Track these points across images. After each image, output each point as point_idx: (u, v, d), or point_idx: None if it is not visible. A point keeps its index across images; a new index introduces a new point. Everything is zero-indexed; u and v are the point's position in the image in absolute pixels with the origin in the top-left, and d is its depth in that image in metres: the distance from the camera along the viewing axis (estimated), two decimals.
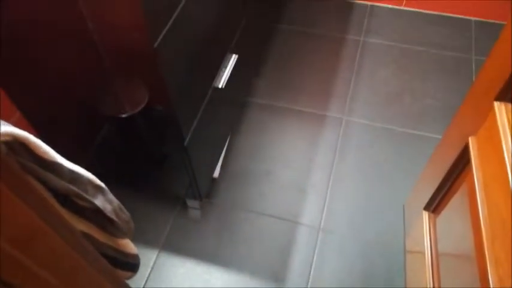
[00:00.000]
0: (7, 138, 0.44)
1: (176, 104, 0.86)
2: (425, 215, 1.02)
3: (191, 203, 1.25)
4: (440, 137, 1.35)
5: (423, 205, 1.01)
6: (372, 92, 1.52)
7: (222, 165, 1.34)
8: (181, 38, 0.81)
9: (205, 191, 1.25)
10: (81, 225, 0.59)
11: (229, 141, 1.38)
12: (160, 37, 0.72)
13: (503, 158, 0.63)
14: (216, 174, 1.31)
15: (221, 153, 1.33)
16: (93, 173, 0.59)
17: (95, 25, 0.74)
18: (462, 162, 0.82)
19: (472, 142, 0.78)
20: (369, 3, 1.81)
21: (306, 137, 1.41)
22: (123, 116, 0.88)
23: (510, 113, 0.68)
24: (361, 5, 1.81)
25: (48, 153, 0.50)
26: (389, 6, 1.79)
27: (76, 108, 0.99)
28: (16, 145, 0.46)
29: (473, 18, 1.73)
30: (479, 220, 0.66)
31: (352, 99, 1.50)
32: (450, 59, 1.60)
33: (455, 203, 0.86)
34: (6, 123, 0.47)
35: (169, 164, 1.12)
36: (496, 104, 0.69)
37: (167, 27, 0.73)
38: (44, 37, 0.79)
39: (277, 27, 1.73)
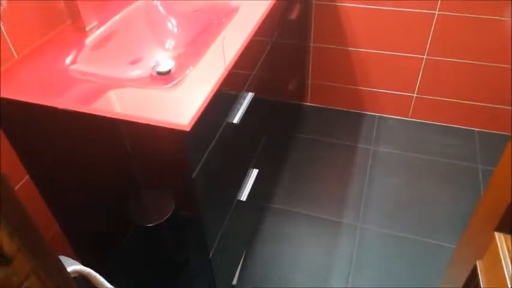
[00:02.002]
0: (75, 274, 0.53)
1: (204, 216, 0.95)
2: None
3: None
4: (452, 246, 1.39)
5: None
6: (384, 200, 1.60)
7: (240, 271, 1.38)
8: (214, 166, 0.93)
9: None
10: None
11: (248, 247, 1.44)
12: (198, 169, 0.84)
13: (506, 285, 0.69)
14: (235, 281, 1.35)
15: (240, 259, 1.38)
16: (113, 276, 0.66)
17: (138, 158, 0.87)
18: (472, 284, 0.86)
19: (479, 265, 0.83)
20: (377, 114, 1.98)
21: (323, 244, 1.46)
22: (150, 225, 0.97)
23: (510, 243, 0.75)
24: (370, 116, 1.97)
25: (103, 284, 0.58)
26: (396, 117, 1.95)
27: (104, 215, 1.08)
28: (80, 278, 0.55)
29: (476, 129, 1.86)
30: None
31: (365, 207, 1.58)
32: (457, 169, 1.70)
33: None
34: (70, 259, 0.57)
35: (189, 270, 1.18)
36: (497, 234, 0.76)
37: (203, 160, 0.86)
38: (89, 159, 0.92)
39: (294, 136, 1.89)
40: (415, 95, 1.85)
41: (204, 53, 0.93)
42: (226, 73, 0.87)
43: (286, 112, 1.75)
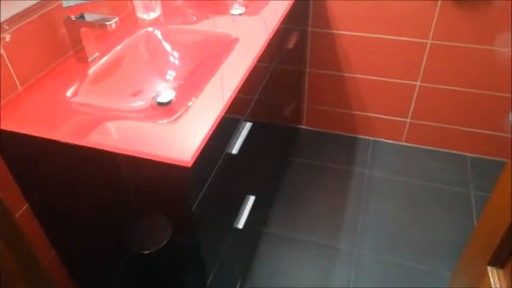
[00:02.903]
0: None
1: (202, 245, 0.95)
2: None
3: None
4: (447, 273, 1.40)
5: None
6: (379, 225, 1.61)
7: None
8: (213, 196, 0.94)
9: None
10: None
11: (244, 272, 1.44)
12: (197, 202, 0.85)
13: None
14: None
15: (237, 285, 1.38)
16: None
17: (137, 190, 0.88)
18: None
19: None
20: (372, 138, 2.01)
21: (320, 269, 1.47)
22: (146, 252, 0.97)
23: (502, 277, 0.77)
24: (365, 140, 2.00)
25: None
26: (391, 141, 1.99)
27: (101, 243, 1.08)
28: None
29: (468, 154, 1.90)
30: None
31: (361, 232, 1.59)
32: (450, 193, 1.73)
33: None
34: None
35: None
36: (490, 269, 0.78)
37: (202, 192, 0.87)
38: (88, 189, 0.93)
39: (290, 160, 1.90)
40: (408, 120, 1.89)
41: (205, 85, 0.95)
42: (227, 106, 0.89)
43: (282, 136, 1.77)
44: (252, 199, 1.27)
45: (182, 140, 0.80)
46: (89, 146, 0.80)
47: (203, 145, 0.80)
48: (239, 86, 0.95)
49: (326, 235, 1.58)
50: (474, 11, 1.51)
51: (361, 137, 2.02)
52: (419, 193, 1.74)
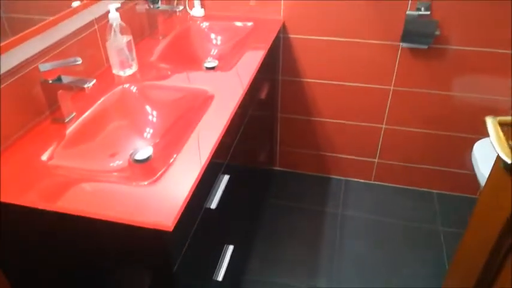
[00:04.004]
0: None
1: None
2: None
3: None
4: None
5: None
6: (354, 264, 1.65)
7: None
8: (193, 254, 0.95)
9: None
10: None
11: None
12: (177, 263, 0.85)
13: None
14: None
15: None
16: None
17: (119, 254, 0.88)
18: None
19: None
20: (343, 178, 2.07)
21: None
22: None
23: None
24: (337, 180, 2.07)
25: None
26: (361, 180, 2.06)
27: None
28: None
29: (434, 191, 1.99)
30: None
31: (337, 272, 1.61)
32: (420, 230, 1.79)
33: None
34: None
35: None
36: None
37: (183, 253, 0.88)
38: (64, 253, 0.92)
39: (264, 202, 1.93)
40: (376, 160, 1.97)
41: (183, 142, 0.97)
42: (206, 164, 0.91)
43: (257, 180, 1.80)
44: (230, 248, 1.28)
45: (162, 202, 0.81)
46: (64, 212, 0.79)
47: (184, 206, 0.81)
48: (217, 143, 0.98)
49: (304, 277, 1.59)
50: (429, 59, 1.63)
51: (333, 177, 2.08)
52: (391, 231, 1.79)
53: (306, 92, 1.84)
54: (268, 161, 2.03)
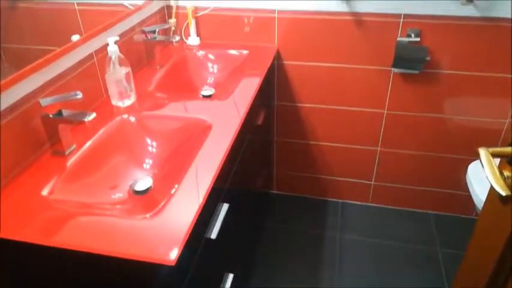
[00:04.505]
0: None
1: None
2: None
3: None
4: None
5: None
6: (354, 287, 1.64)
7: None
8: (194, 286, 0.95)
9: None
10: None
11: None
12: None
13: None
14: None
15: None
16: None
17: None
18: None
19: None
20: (340, 200, 2.08)
21: None
22: None
23: None
24: (334, 203, 2.07)
25: None
26: (358, 203, 2.07)
27: None
28: None
29: (431, 212, 2.00)
30: None
31: None
32: (418, 252, 1.80)
33: None
34: None
35: None
36: None
37: (184, 285, 0.88)
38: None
39: (262, 226, 1.93)
40: (372, 182, 1.99)
41: (183, 173, 0.98)
42: (206, 195, 0.92)
43: (255, 205, 1.81)
44: (230, 277, 1.27)
45: (164, 235, 0.81)
46: (64, 247, 0.79)
47: (186, 239, 0.81)
48: (217, 173, 0.99)
49: None
50: (421, 84, 1.67)
51: (330, 199, 2.09)
52: (389, 253, 1.79)
53: (301, 116, 1.87)
54: (266, 184, 2.04)
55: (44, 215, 0.87)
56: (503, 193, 0.59)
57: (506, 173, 0.68)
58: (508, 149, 0.66)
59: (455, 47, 1.57)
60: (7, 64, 0.93)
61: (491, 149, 0.65)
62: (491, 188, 0.64)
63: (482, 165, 0.63)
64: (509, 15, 1.46)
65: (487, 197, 0.76)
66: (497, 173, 0.62)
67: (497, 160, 0.69)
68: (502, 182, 0.60)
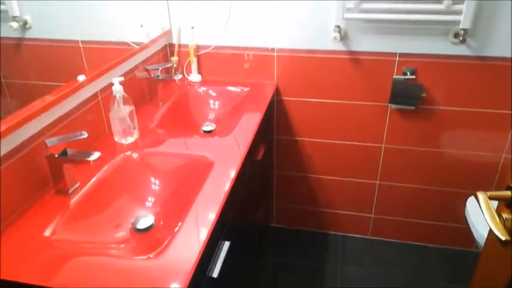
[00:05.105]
0: None
1: None
2: None
3: None
4: None
5: None
6: None
7: None
8: None
9: None
10: None
11: None
12: None
13: None
14: None
15: None
16: None
17: None
18: None
19: None
20: (340, 233, 2.08)
21: None
22: None
23: None
24: (334, 236, 2.07)
25: None
26: (358, 236, 2.06)
27: None
28: None
29: (431, 245, 2.00)
30: None
31: None
32: (419, 286, 1.78)
33: None
34: None
35: None
36: None
37: None
38: None
39: (263, 260, 1.91)
40: (372, 215, 1.99)
41: (185, 212, 0.99)
42: (209, 234, 0.93)
43: (255, 239, 1.80)
44: None
45: (168, 276, 0.81)
46: None
47: (189, 280, 0.81)
48: (219, 211, 1.00)
49: None
50: (418, 119, 1.71)
51: (330, 232, 2.09)
52: (390, 286, 1.78)
53: (301, 150, 1.89)
54: (265, 218, 2.04)
55: (45, 255, 0.87)
56: (503, 238, 0.60)
57: (505, 216, 0.69)
58: (505, 193, 0.68)
59: (450, 84, 1.61)
60: (11, 100, 0.95)
61: (489, 193, 0.67)
62: (491, 231, 0.65)
63: (481, 210, 0.65)
64: (501, 54, 1.52)
65: (486, 239, 0.77)
66: (497, 217, 0.63)
67: (495, 202, 0.70)
68: (501, 226, 0.61)
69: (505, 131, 1.66)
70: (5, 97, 0.94)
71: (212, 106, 1.70)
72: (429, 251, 1.97)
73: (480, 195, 0.66)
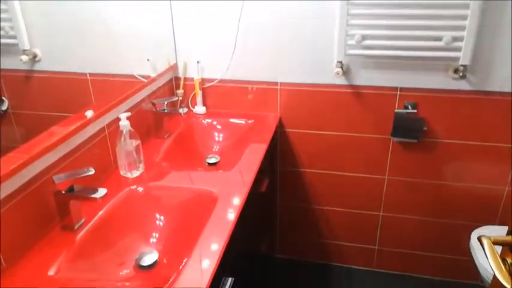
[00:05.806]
0: None
1: None
2: None
3: None
4: None
5: None
6: None
7: None
8: None
9: None
10: None
11: None
12: None
13: None
14: None
15: None
16: None
17: None
18: None
19: None
20: (345, 265, 2.06)
21: None
22: None
23: None
24: (338, 268, 2.05)
25: None
26: (362, 268, 2.04)
27: None
28: None
29: (436, 278, 1.97)
30: None
31: None
32: None
33: None
34: None
35: None
36: None
37: None
38: None
39: None
40: (376, 247, 1.97)
41: (191, 248, 0.99)
42: (214, 271, 0.92)
43: (258, 271, 1.78)
44: None
45: None
46: None
47: None
48: (223, 248, 1.00)
49: None
50: (420, 151, 1.72)
51: (334, 264, 2.07)
52: None
53: (304, 182, 1.90)
54: (269, 249, 2.02)
55: None
56: (508, 286, 0.60)
57: (510, 260, 0.69)
58: (509, 238, 0.68)
59: (452, 117, 1.63)
60: (18, 128, 0.97)
61: (492, 238, 0.67)
62: (495, 277, 0.65)
63: (485, 255, 0.65)
64: (500, 89, 1.54)
65: (492, 282, 0.77)
66: (501, 263, 0.63)
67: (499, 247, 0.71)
68: (506, 274, 0.61)
69: (506, 164, 1.66)
70: (12, 129, 0.96)
71: (217, 138, 1.72)
72: (434, 283, 1.95)
73: (484, 240, 0.66)
